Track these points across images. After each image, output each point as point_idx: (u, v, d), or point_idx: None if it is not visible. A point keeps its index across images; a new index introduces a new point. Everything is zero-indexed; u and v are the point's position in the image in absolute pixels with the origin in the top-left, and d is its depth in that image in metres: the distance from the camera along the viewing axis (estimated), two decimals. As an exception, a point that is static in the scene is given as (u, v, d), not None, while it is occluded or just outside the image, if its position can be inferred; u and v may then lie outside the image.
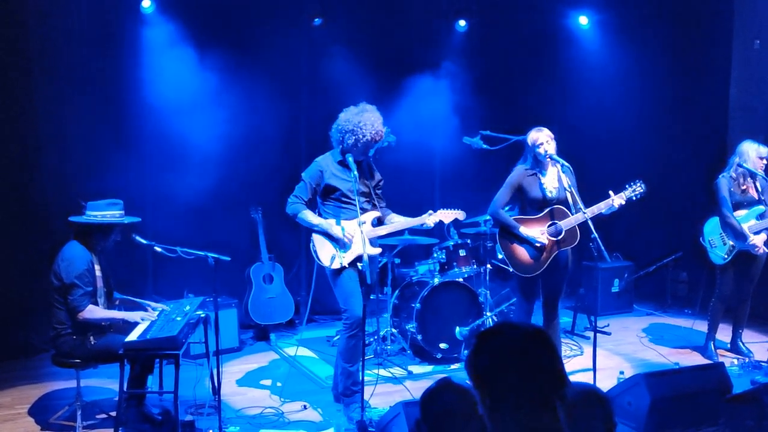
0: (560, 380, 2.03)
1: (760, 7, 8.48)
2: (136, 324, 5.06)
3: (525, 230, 5.70)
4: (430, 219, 5.54)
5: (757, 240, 6.44)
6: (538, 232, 5.72)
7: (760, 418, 4.23)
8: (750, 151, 6.51)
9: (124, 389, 4.91)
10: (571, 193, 5.67)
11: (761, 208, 6.51)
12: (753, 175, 6.46)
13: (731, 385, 5.18)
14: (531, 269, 5.76)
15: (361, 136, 5.36)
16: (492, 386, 2.01)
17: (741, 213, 6.53)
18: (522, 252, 5.78)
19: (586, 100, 9.35)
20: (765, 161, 6.48)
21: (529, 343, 2.04)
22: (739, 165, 6.47)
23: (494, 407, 2.01)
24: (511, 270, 5.89)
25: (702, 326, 7.15)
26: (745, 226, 6.46)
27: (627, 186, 5.74)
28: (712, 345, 6.82)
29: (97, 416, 5.45)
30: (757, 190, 6.55)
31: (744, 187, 6.55)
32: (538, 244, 5.72)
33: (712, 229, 6.71)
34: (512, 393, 1.98)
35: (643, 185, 5.73)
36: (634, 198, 5.73)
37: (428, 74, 8.71)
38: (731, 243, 6.55)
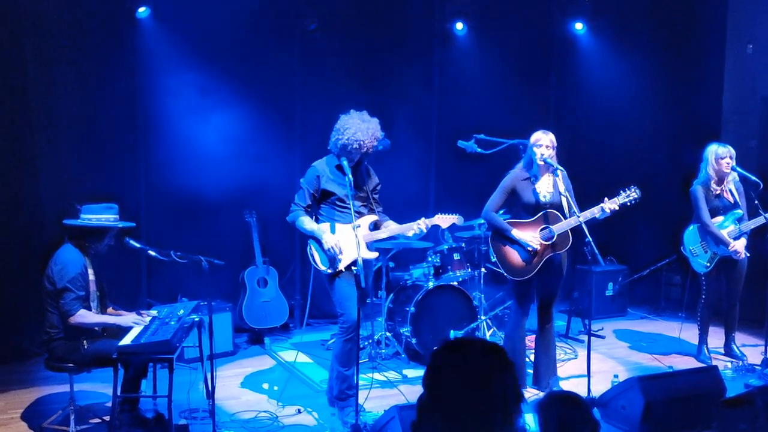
0: (516, 398, 1.98)
1: (753, 12, 8.53)
2: (129, 328, 5.04)
3: (518, 233, 5.71)
4: (422, 224, 5.53)
5: (738, 245, 6.47)
6: (530, 235, 5.72)
7: (753, 422, 4.24)
8: (710, 155, 6.57)
9: (118, 393, 4.89)
10: (567, 198, 5.68)
11: (739, 212, 6.55)
12: (746, 179, 6.50)
13: (725, 389, 5.20)
14: (522, 272, 5.76)
15: (344, 138, 5.36)
16: (447, 404, 1.97)
17: (718, 219, 6.56)
18: (514, 255, 5.78)
19: (581, 104, 9.38)
20: (728, 161, 6.49)
21: (486, 360, 2.00)
22: (733, 169, 6.51)
23: (447, 426, 1.96)
24: (504, 273, 5.89)
25: (689, 331, 7.19)
26: (724, 232, 6.49)
27: (621, 191, 5.75)
28: (706, 349, 6.85)
29: (91, 421, 5.43)
30: (731, 194, 6.57)
31: (717, 191, 6.57)
32: (530, 248, 5.72)
33: (691, 238, 6.73)
34: (466, 412, 1.94)
35: (638, 191, 5.73)
36: (628, 203, 5.74)
37: (423, 78, 8.73)
38: (713, 251, 6.58)
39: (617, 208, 5.68)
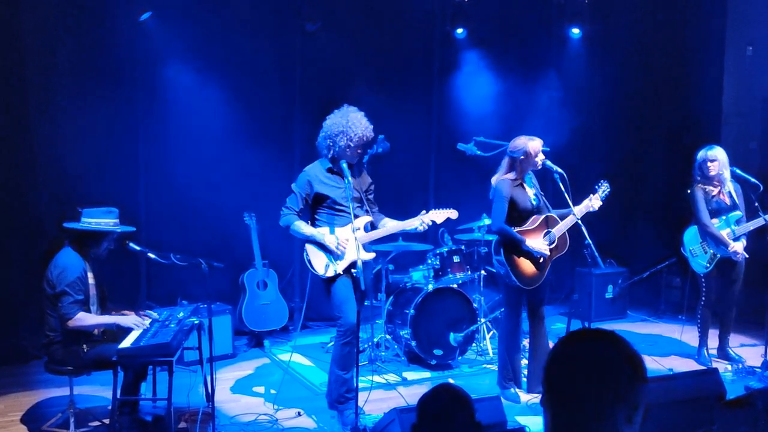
0: (635, 404, 1.84)
1: (753, 14, 8.54)
2: (129, 330, 5.03)
3: (531, 243, 5.70)
4: (425, 220, 5.53)
5: (738, 246, 6.46)
6: (540, 243, 5.73)
7: (754, 424, 4.23)
8: (699, 158, 6.59)
9: (118, 396, 4.89)
10: (542, 198, 5.78)
11: (737, 213, 6.54)
12: (746, 181, 6.50)
13: (725, 391, 5.19)
14: (535, 280, 5.77)
15: (352, 135, 5.35)
16: (561, 398, 1.86)
17: (717, 221, 6.55)
18: (526, 265, 5.75)
19: (579, 107, 9.37)
20: (714, 164, 6.47)
21: (609, 352, 1.89)
22: (733, 172, 6.51)
23: (557, 425, 1.86)
24: (516, 283, 5.79)
25: (689, 333, 7.18)
26: (723, 233, 6.48)
27: (596, 187, 5.92)
28: (706, 351, 6.83)
29: (91, 423, 5.42)
30: (730, 196, 6.57)
31: (714, 193, 6.57)
32: (539, 256, 5.72)
33: (691, 238, 6.73)
34: (581, 408, 1.83)
35: (608, 185, 5.95)
36: (605, 197, 5.91)
37: (423, 81, 8.73)
38: (712, 251, 6.58)
39: (600, 203, 5.86)
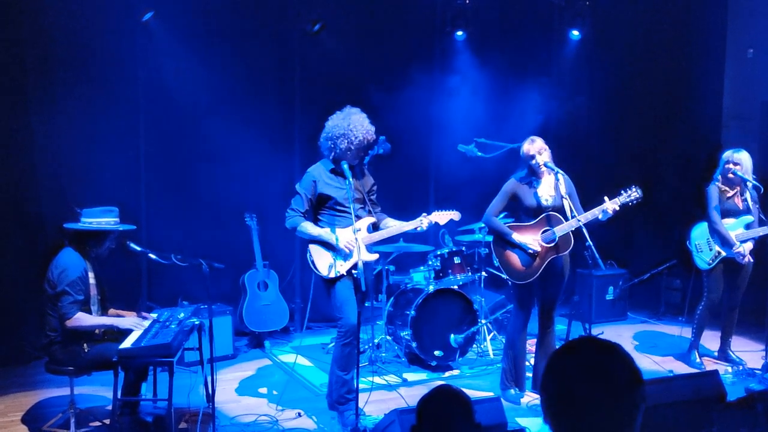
0: (638, 400, 1.88)
1: (754, 16, 8.55)
2: (129, 331, 5.04)
3: (518, 237, 5.71)
4: (425, 221, 5.54)
5: (743, 248, 6.45)
6: (530, 238, 5.72)
7: (753, 426, 4.24)
8: (723, 158, 6.58)
9: (118, 397, 4.90)
10: (568, 201, 5.68)
11: (749, 218, 6.53)
12: (744, 182, 6.48)
13: (725, 393, 5.19)
14: (525, 276, 5.76)
15: (353, 138, 5.36)
16: (565, 410, 1.89)
17: (730, 221, 6.54)
18: (515, 259, 5.78)
19: (581, 110, 9.37)
20: (734, 166, 6.46)
21: (603, 358, 1.91)
22: (734, 173, 6.49)
23: (576, 426, 1.88)
24: (505, 277, 5.90)
25: (689, 335, 7.16)
26: (732, 234, 6.48)
27: (622, 191, 5.72)
28: (696, 353, 6.80)
29: (91, 424, 5.42)
30: (744, 200, 6.56)
31: (729, 194, 6.57)
32: (530, 251, 5.72)
33: (699, 233, 6.72)
34: (588, 415, 1.86)
35: (639, 190, 5.69)
36: (630, 203, 5.71)
37: (425, 82, 8.72)
38: (717, 249, 6.57)
39: (618, 208, 5.64)
